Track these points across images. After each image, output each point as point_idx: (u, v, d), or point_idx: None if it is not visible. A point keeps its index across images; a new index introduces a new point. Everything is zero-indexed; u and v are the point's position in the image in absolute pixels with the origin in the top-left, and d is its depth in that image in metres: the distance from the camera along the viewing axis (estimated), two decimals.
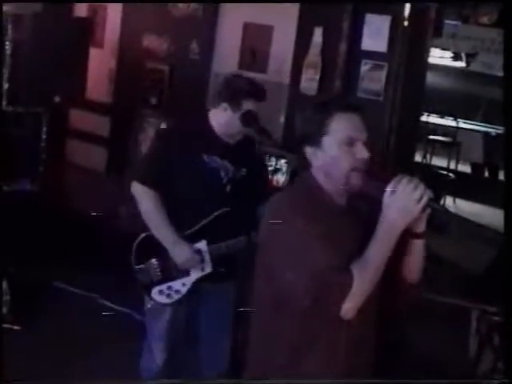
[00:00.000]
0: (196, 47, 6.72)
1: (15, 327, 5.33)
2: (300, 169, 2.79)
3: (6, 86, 5.97)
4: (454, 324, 4.52)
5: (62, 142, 7.43)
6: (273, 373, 2.69)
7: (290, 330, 2.63)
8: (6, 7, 6.02)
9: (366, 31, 5.72)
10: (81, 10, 7.38)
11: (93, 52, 6.69)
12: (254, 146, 4.00)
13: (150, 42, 7.01)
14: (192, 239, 3.95)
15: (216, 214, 3.90)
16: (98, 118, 7.34)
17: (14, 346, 4.99)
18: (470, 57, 12.49)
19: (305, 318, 2.59)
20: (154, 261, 4.00)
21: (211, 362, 4.07)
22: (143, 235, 4.06)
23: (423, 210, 2.47)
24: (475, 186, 10.47)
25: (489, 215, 8.73)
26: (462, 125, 11.25)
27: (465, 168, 11.49)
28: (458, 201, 9.61)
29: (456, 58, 12.71)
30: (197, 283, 3.99)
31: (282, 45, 6.18)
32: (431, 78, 7.84)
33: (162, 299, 4.00)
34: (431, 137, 10.89)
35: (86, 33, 6.56)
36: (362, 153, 2.62)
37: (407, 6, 5.61)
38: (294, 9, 6.07)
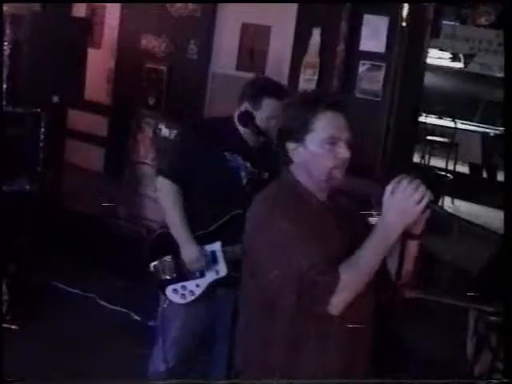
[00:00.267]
0: (194, 47, 6.72)
1: (13, 327, 5.33)
2: (281, 165, 2.79)
3: (4, 86, 5.98)
4: (452, 324, 4.53)
5: (61, 142, 7.43)
6: (270, 372, 2.68)
7: (280, 328, 2.63)
8: (4, 7, 6.03)
9: (364, 32, 5.72)
10: (79, 11, 7.39)
11: (91, 52, 6.69)
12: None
13: (149, 42, 7.01)
14: (207, 239, 3.94)
15: (232, 214, 3.87)
16: (96, 119, 7.35)
17: (11, 346, 5.02)
18: (468, 58, 12.49)
19: (293, 317, 2.59)
20: (168, 258, 3.98)
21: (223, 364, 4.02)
22: (159, 231, 4.08)
23: (423, 211, 2.45)
24: (473, 186, 10.47)
25: (487, 216, 8.73)
26: (460, 125, 11.24)
27: (463, 169, 11.49)
28: (457, 201, 9.61)
29: (454, 58, 12.70)
30: (212, 287, 3.96)
31: (281, 45, 6.18)
32: (429, 79, 7.85)
33: (176, 299, 3.97)
34: (429, 137, 10.89)
35: (85, 33, 6.56)
36: (344, 152, 2.64)
37: (405, 7, 5.61)
38: (292, 9, 6.07)
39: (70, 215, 6.84)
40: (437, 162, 10.98)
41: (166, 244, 3.97)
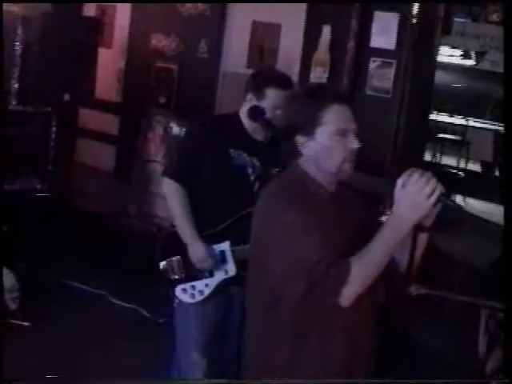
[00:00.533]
0: (204, 46, 6.73)
1: (25, 324, 5.35)
2: (289, 158, 2.79)
3: (15, 85, 6.00)
4: (464, 322, 4.51)
5: (72, 140, 7.45)
6: (276, 366, 2.68)
7: (286, 321, 2.63)
8: (16, 8, 6.06)
9: (375, 29, 5.72)
10: (89, 10, 7.41)
11: (102, 52, 6.72)
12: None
13: (159, 41, 7.02)
14: (216, 239, 3.89)
15: (241, 213, 3.79)
16: (107, 117, 7.37)
17: (23, 343, 5.04)
18: (480, 55, 12.45)
19: (298, 312, 2.59)
20: (178, 257, 3.95)
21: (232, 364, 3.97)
22: (168, 231, 4.05)
23: (434, 204, 2.44)
24: (485, 184, 10.44)
25: (499, 214, 8.70)
26: (471, 123, 11.21)
27: (475, 167, 11.46)
28: (468, 199, 9.59)
29: (465, 56, 12.67)
30: (222, 286, 3.91)
31: (291, 43, 6.19)
32: (440, 77, 7.83)
33: (186, 298, 3.93)
34: (440, 135, 10.87)
35: (95, 32, 6.59)
36: (353, 143, 2.65)
37: (416, 4, 5.60)
38: (302, 7, 6.07)
39: (80, 214, 6.86)
40: (448, 160, 10.96)
41: (175, 244, 3.94)
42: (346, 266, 2.48)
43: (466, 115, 11.23)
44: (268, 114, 3.80)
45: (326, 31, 5.92)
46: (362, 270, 2.49)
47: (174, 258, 3.96)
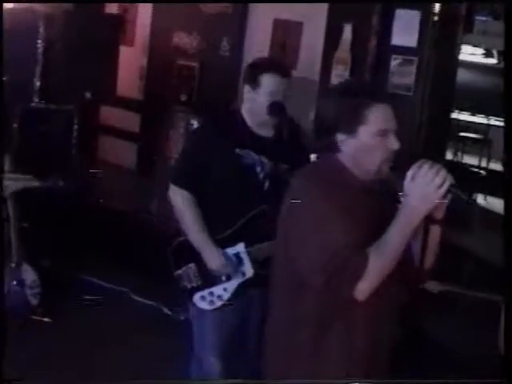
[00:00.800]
0: (226, 44, 6.74)
1: (46, 319, 5.38)
2: (325, 152, 2.77)
3: (38, 83, 6.05)
4: (483, 318, 4.50)
5: (93, 138, 7.48)
6: (296, 352, 2.69)
7: (310, 307, 2.63)
8: (38, 6, 6.10)
9: (396, 26, 5.71)
10: (111, 9, 7.45)
11: (124, 50, 6.76)
12: (297, 140, 3.82)
13: (180, 39, 7.05)
14: (229, 242, 3.79)
15: (253, 213, 3.73)
16: (129, 115, 7.40)
17: (44, 339, 5.08)
18: (502, 54, 12.38)
19: (321, 296, 2.59)
20: (192, 265, 3.83)
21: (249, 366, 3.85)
22: (180, 239, 3.89)
23: (445, 195, 2.46)
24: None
25: None
26: (493, 122, 11.14)
27: (496, 166, 11.39)
28: (489, 198, 9.55)
29: (487, 54, 12.61)
30: (241, 288, 3.81)
31: (312, 41, 6.19)
32: (462, 75, 7.79)
33: (205, 305, 3.82)
34: (462, 134, 10.82)
35: (117, 30, 6.63)
36: (395, 144, 2.64)
37: (437, 1, 5.59)
38: (323, 5, 6.07)
39: (102, 211, 6.88)
40: (470, 159, 10.90)
41: (188, 252, 3.83)
42: (364, 257, 2.50)
43: (487, 114, 11.16)
44: (264, 101, 3.69)
45: (348, 30, 5.92)
46: (379, 263, 2.50)
47: (188, 266, 3.85)
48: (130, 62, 7.17)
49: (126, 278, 6.16)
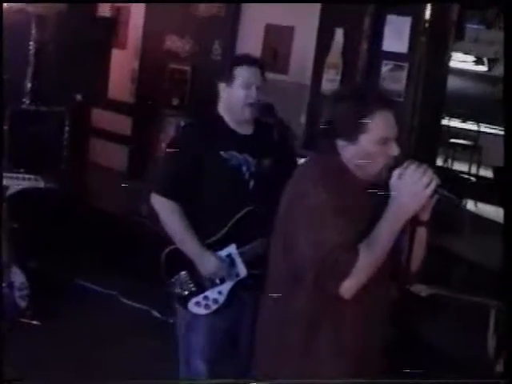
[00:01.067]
0: (218, 48, 6.75)
1: (34, 322, 5.36)
2: (324, 152, 2.78)
3: (29, 84, 6.04)
4: (473, 321, 4.52)
5: (84, 140, 7.47)
6: (286, 351, 2.71)
7: (302, 305, 2.65)
8: (30, 7, 6.10)
9: (387, 32, 5.73)
10: (104, 10, 7.44)
11: (116, 53, 6.75)
12: (273, 133, 3.79)
13: (173, 42, 7.05)
14: (220, 245, 3.75)
15: (242, 213, 3.71)
16: (120, 118, 7.39)
17: (32, 342, 5.06)
18: (492, 61, 12.44)
19: (312, 294, 2.62)
20: (184, 273, 3.78)
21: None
22: (170, 248, 3.83)
23: (431, 196, 2.49)
24: (497, 189, 10.41)
25: None
26: (483, 129, 11.18)
27: (486, 172, 11.43)
28: (480, 204, 9.57)
29: (478, 62, 12.66)
30: (234, 291, 3.78)
31: (303, 46, 6.20)
32: (453, 82, 7.82)
33: (201, 311, 3.77)
34: (453, 140, 10.84)
35: (109, 32, 6.63)
36: (395, 150, 2.65)
37: (428, 8, 5.60)
38: (315, 9, 6.09)
39: (92, 213, 6.87)
40: (460, 166, 10.93)
41: (178, 260, 3.77)
42: (354, 254, 2.52)
43: (477, 120, 11.20)
44: (241, 94, 3.70)
45: (339, 34, 5.94)
46: (368, 258, 2.53)
47: (180, 274, 3.79)
48: (122, 64, 7.17)
49: (115, 281, 6.15)
